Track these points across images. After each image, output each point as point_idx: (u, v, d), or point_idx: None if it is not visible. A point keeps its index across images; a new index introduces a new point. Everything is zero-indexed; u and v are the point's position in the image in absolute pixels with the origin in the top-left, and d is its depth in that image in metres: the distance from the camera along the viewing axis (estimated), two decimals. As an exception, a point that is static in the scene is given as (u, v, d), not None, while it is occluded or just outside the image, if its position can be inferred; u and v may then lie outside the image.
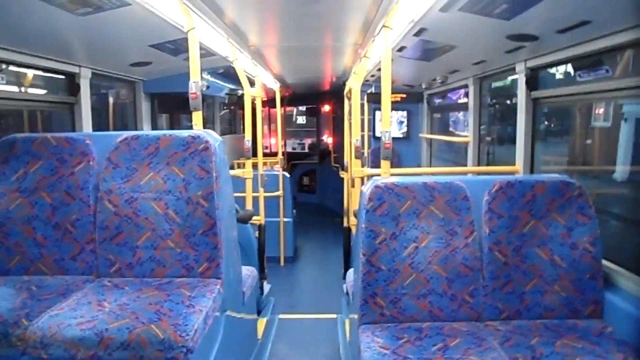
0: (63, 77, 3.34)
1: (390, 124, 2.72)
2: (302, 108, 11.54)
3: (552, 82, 3.27)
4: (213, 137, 2.30)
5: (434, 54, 3.67)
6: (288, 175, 6.57)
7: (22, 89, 3.19)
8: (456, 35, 3.03)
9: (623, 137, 2.75)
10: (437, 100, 6.50)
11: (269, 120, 10.78)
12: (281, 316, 4.50)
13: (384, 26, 2.54)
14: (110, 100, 4.51)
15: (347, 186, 5.37)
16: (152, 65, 3.88)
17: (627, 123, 2.71)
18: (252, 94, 4.55)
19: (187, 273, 2.17)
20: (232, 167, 5.76)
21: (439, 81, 5.12)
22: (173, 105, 5.57)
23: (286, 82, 7.65)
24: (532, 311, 2.24)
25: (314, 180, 10.74)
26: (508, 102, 4.33)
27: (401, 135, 7.12)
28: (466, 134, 4.87)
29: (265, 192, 5.03)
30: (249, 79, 4.41)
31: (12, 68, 2.97)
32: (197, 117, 2.53)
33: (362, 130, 5.26)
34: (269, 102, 8.62)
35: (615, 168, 2.86)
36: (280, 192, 6.19)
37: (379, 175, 2.61)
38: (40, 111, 3.47)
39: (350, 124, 4.57)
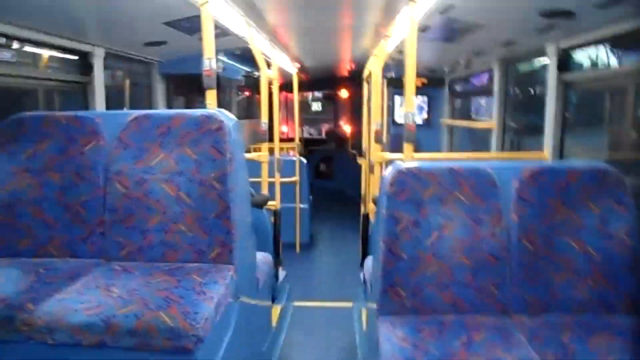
0: (76, 57, 3.29)
1: (414, 106, 2.60)
2: (318, 94, 11.50)
3: (587, 64, 3.08)
4: (227, 117, 2.20)
5: (459, 34, 3.52)
6: (305, 161, 6.48)
7: (35, 68, 3.14)
8: (485, 13, 2.87)
9: None
10: (460, 85, 6.28)
11: (286, 106, 10.70)
12: (296, 303, 4.44)
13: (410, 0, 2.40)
14: (127, 82, 4.46)
15: (365, 172, 5.26)
16: (168, 45, 3.80)
17: None
18: (269, 77, 4.45)
19: (198, 258, 2.09)
20: (248, 151, 5.69)
21: (463, 64, 4.95)
22: (189, 87, 5.50)
23: (304, 65, 7.52)
24: (562, 305, 2.10)
25: (331, 166, 10.69)
26: (535, 87, 4.14)
27: (421, 122, 6.89)
28: (489, 120, 4.70)
29: (281, 177, 4.95)
30: (265, 61, 4.31)
31: (26, 48, 2.91)
32: (211, 96, 2.43)
33: (382, 115, 5.13)
34: (285, 87, 8.52)
35: None
36: (296, 178, 6.12)
37: (399, 160, 2.49)
38: (55, 91, 3.43)
39: (369, 109, 4.46)
